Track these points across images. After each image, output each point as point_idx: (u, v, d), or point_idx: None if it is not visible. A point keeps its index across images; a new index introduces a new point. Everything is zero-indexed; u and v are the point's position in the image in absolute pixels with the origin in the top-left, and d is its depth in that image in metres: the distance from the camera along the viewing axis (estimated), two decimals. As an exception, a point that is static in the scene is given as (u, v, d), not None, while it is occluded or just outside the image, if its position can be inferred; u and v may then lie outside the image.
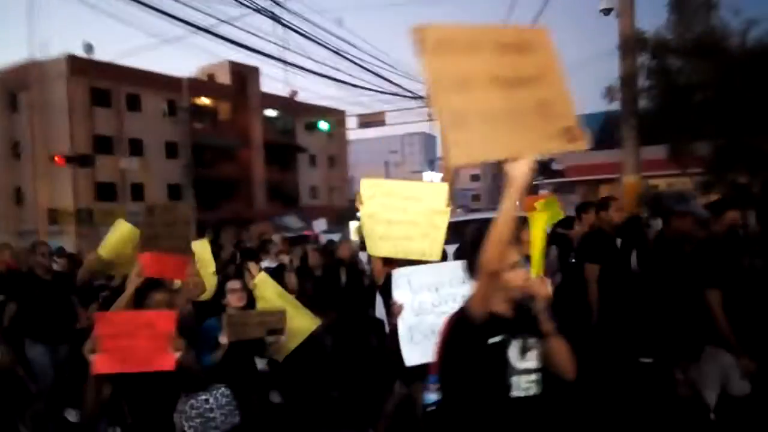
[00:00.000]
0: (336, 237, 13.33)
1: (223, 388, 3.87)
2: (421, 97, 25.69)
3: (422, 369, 4.67)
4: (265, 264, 7.36)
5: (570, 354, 2.60)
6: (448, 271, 3.80)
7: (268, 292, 5.16)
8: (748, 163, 13.31)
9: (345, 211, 30.14)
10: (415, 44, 2.21)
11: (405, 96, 24.73)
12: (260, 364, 4.86)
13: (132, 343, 3.07)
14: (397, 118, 28.09)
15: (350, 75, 40.75)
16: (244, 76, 41.10)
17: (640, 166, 11.37)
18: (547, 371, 2.59)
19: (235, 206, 37.19)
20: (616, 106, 12.91)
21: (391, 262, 4.69)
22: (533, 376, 2.54)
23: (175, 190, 34.44)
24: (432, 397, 2.77)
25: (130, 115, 35.20)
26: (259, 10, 12.84)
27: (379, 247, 4.44)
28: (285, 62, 16.76)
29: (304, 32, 15.18)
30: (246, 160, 41.27)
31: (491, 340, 2.49)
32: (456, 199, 28.24)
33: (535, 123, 2.33)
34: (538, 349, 2.56)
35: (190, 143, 34.65)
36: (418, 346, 3.73)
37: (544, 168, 49.50)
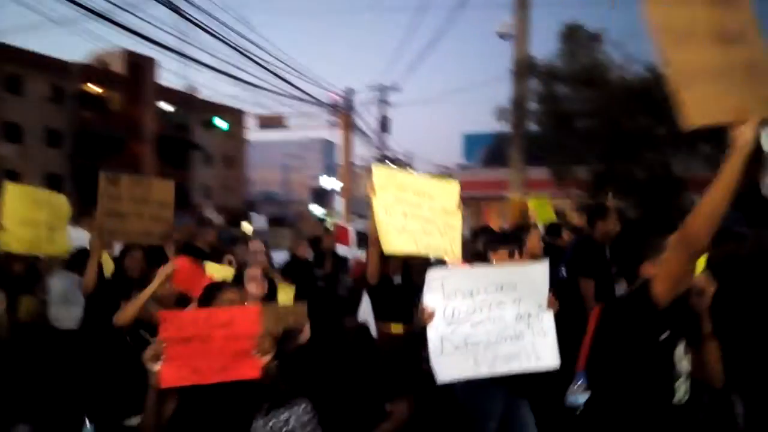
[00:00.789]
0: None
1: (304, 404, 3.22)
2: (322, 103, 25.74)
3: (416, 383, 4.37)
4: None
5: (721, 360, 2.36)
6: (485, 275, 3.39)
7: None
8: (620, 187, 14.41)
9: (239, 212, 29.53)
10: None
11: (307, 101, 24.66)
12: None
13: (207, 347, 2.50)
14: (297, 122, 27.99)
15: (252, 75, 39.92)
16: (139, 66, 39.30)
17: (526, 185, 12.04)
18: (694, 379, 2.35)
19: (122, 202, 35.41)
20: (506, 127, 13.60)
21: (387, 262, 4.37)
22: (688, 383, 2.33)
23: (56, 181, 32.33)
24: (580, 398, 2.48)
25: (9, 97, 32.66)
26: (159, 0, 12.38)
27: (398, 241, 3.92)
28: (184, 56, 16.20)
29: (205, 26, 14.78)
30: (136, 155, 39.44)
31: (661, 336, 2.23)
32: (353, 207, 28.45)
33: (749, 85, 2.15)
34: (690, 352, 2.34)
35: (75, 132, 32.64)
36: (449, 359, 3.27)
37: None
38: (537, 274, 3.35)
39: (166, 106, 41.87)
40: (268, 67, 19.85)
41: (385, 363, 4.46)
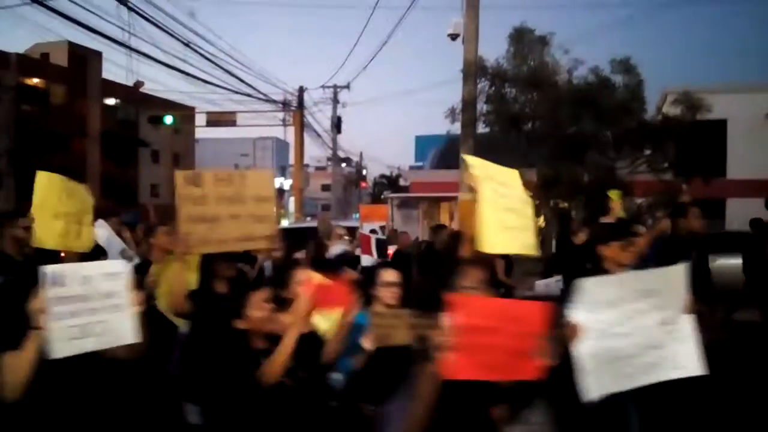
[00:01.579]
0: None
1: (543, 408, 2.92)
2: (274, 101, 25.41)
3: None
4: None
5: None
6: (628, 283, 3.16)
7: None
8: (567, 189, 14.68)
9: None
10: None
11: (258, 98, 24.33)
12: None
13: (495, 341, 2.33)
14: (248, 120, 27.53)
15: (201, 70, 39.25)
16: (83, 59, 37.99)
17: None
18: None
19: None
20: (458, 128, 13.68)
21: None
22: None
23: (-6, 177, 31.03)
24: None
25: (-58, 89, 31.17)
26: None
27: (499, 240, 3.61)
28: (130, 48, 15.75)
29: (152, 19, 14.40)
30: (80, 151, 38.15)
31: None
32: (306, 208, 28.20)
33: None
34: None
35: (15, 128, 31.30)
36: (595, 375, 3.00)
37: (391, 183, 50.89)
38: (677, 278, 3.18)
39: (111, 101, 40.66)
40: (219, 63, 19.50)
41: None
